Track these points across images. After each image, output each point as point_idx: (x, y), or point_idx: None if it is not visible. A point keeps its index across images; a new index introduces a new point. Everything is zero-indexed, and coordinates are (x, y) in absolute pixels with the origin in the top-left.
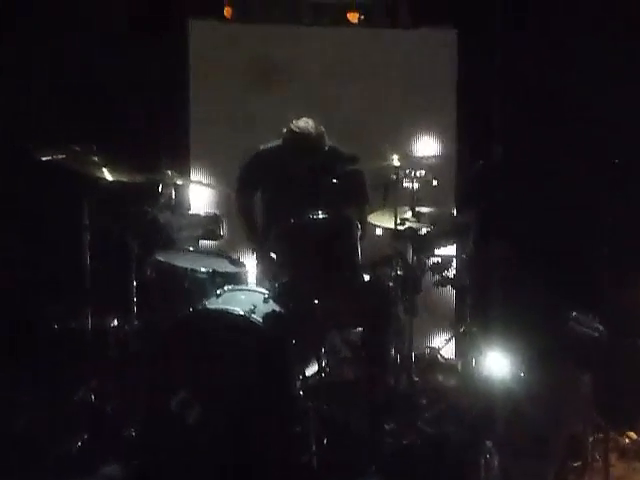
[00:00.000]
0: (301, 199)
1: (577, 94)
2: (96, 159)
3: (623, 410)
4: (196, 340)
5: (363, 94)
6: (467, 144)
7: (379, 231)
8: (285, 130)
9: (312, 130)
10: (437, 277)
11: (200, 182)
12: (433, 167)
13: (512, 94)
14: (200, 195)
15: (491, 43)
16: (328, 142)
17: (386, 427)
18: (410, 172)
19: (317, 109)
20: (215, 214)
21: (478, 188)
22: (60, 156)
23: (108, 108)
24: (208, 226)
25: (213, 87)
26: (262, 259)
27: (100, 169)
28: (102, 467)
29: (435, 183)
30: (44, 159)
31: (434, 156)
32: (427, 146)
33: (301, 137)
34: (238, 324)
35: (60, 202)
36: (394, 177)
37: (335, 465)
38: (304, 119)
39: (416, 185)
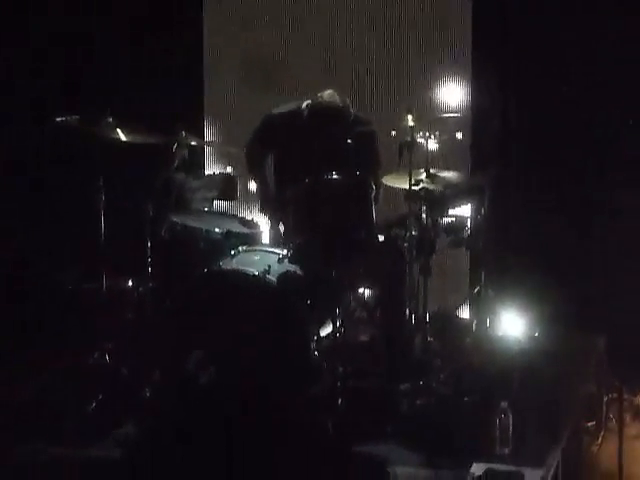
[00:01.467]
0: (315, 161)
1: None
2: (110, 120)
3: (637, 371)
4: (211, 301)
5: (379, 47)
6: (483, 104)
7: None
8: (311, 101)
9: (339, 102)
10: (451, 238)
11: (214, 143)
12: (448, 127)
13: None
14: (214, 156)
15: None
16: (345, 111)
17: (401, 388)
18: (425, 133)
19: (334, 61)
20: (229, 175)
21: (493, 149)
22: (74, 117)
23: (123, 72)
24: (222, 187)
25: (228, 52)
26: (275, 220)
27: (114, 130)
28: (116, 429)
29: (460, 136)
30: (58, 120)
31: (449, 116)
32: (442, 106)
33: (328, 109)
34: (253, 284)
35: (74, 163)
36: (408, 138)
37: (350, 426)
38: (329, 91)
39: (431, 145)
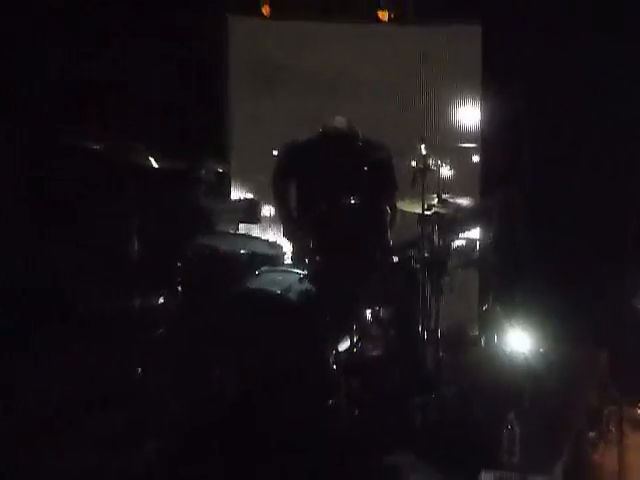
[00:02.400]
0: (333, 187)
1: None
2: (141, 148)
3: (637, 384)
4: (237, 318)
5: (392, 87)
6: (491, 134)
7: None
8: (321, 129)
9: (346, 130)
10: (461, 259)
11: (234, 169)
12: (460, 155)
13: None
14: (239, 182)
15: (516, 39)
16: (361, 136)
17: (414, 401)
18: (436, 161)
19: (349, 100)
20: (253, 199)
21: (501, 175)
22: (107, 145)
23: (155, 101)
24: (246, 211)
25: (252, 83)
26: (296, 242)
27: (146, 157)
28: (146, 442)
29: (471, 163)
30: (95, 147)
31: (459, 147)
32: (454, 135)
33: (336, 136)
34: (275, 302)
35: (109, 188)
36: (421, 165)
37: (365, 437)
38: (339, 119)
39: (443, 172)
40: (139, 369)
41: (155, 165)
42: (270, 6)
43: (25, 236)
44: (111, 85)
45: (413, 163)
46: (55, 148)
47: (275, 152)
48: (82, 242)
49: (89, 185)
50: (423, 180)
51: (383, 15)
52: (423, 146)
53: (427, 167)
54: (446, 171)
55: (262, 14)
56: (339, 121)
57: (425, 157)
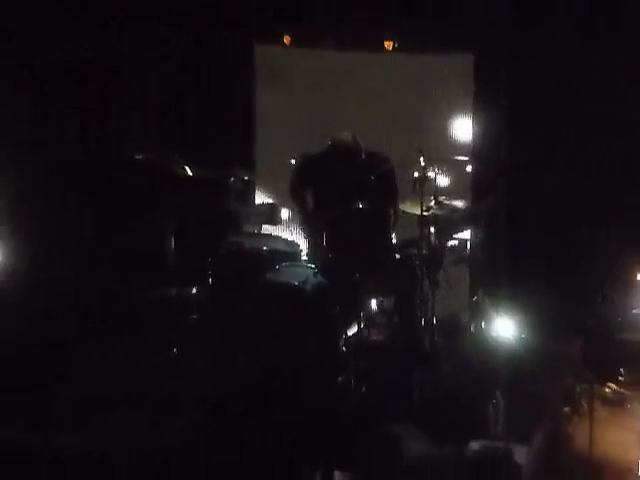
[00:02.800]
0: (344, 194)
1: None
2: (182, 161)
3: (605, 366)
4: (260, 307)
5: (397, 108)
6: (480, 150)
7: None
8: (330, 142)
9: (351, 144)
10: (455, 256)
11: (258, 178)
12: (455, 166)
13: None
14: (261, 189)
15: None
16: (365, 149)
17: (413, 379)
18: (434, 171)
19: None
20: (273, 204)
21: (490, 184)
22: (151, 154)
23: (195, 122)
24: (268, 214)
25: (274, 104)
26: (312, 241)
27: (183, 166)
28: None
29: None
30: (139, 156)
31: (453, 159)
32: (448, 151)
33: (342, 149)
34: (294, 293)
35: (151, 194)
36: (421, 175)
37: (370, 410)
38: (345, 133)
39: (439, 181)
40: (175, 349)
41: (190, 174)
42: (290, 36)
43: (88, 237)
44: (162, 109)
45: (416, 174)
46: (119, 161)
47: (292, 161)
48: (130, 242)
49: (138, 191)
50: (422, 187)
51: (389, 45)
52: (422, 158)
53: (426, 176)
54: (442, 180)
55: (284, 43)
56: (346, 135)
57: (424, 168)
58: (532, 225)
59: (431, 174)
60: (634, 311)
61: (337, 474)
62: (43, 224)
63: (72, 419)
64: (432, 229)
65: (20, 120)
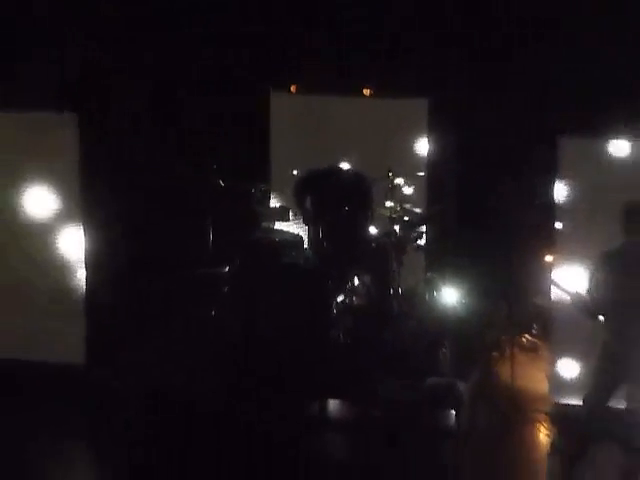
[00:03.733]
0: (335, 201)
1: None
2: (218, 177)
3: (523, 322)
4: (275, 279)
5: (374, 139)
6: (435, 169)
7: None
8: (327, 167)
9: (340, 168)
10: (415, 244)
11: (273, 188)
12: (414, 181)
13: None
14: (275, 196)
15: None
16: (351, 170)
17: (385, 334)
18: (400, 185)
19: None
20: (284, 206)
21: (440, 194)
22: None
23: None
24: (280, 214)
25: (283, 134)
26: (312, 234)
27: (217, 178)
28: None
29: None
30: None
31: (415, 175)
32: (411, 169)
33: (336, 170)
34: (299, 271)
35: (197, 200)
36: (391, 186)
37: (354, 357)
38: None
39: (405, 189)
40: (213, 312)
41: (222, 184)
42: (296, 86)
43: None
44: (210, 145)
45: (389, 185)
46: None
47: (295, 172)
48: (183, 234)
49: (190, 198)
50: (392, 195)
51: (366, 91)
52: (391, 174)
53: (394, 187)
54: (406, 190)
55: (291, 91)
56: (338, 163)
57: (393, 182)
58: (468, 224)
59: (399, 186)
60: (543, 283)
61: (331, 402)
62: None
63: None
64: (398, 226)
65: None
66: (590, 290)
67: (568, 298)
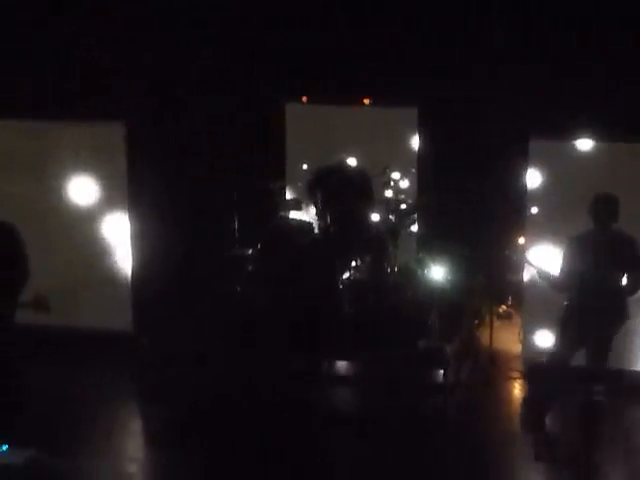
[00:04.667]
0: (341, 196)
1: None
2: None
3: (500, 295)
4: (290, 259)
5: (374, 141)
6: (423, 168)
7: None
8: (334, 165)
9: (345, 166)
10: (408, 230)
11: (288, 184)
12: (407, 177)
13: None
14: (290, 190)
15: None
16: (356, 168)
17: (384, 305)
18: (395, 180)
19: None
20: (297, 199)
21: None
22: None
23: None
24: (294, 205)
25: (296, 140)
26: (322, 222)
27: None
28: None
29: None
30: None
31: (409, 171)
32: (405, 166)
33: (343, 166)
34: (311, 251)
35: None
36: (387, 181)
37: (356, 324)
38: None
39: (400, 183)
40: (238, 288)
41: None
42: (307, 97)
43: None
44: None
45: (386, 180)
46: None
47: (305, 167)
48: (212, 222)
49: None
50: (389, 188)
51: (366, 100)
52: (387, 170)
53: (389, 181)
54: (401, 184)
55: (302, 101)
56: (343, 159)
57: (389, 177)
58: (452, 213)
59: (393, 181)
60: (516, 261)
61: (338, 362)
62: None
63: None
64: (394, 215)
65: None
66: (561, 268)
67: (539, 274)
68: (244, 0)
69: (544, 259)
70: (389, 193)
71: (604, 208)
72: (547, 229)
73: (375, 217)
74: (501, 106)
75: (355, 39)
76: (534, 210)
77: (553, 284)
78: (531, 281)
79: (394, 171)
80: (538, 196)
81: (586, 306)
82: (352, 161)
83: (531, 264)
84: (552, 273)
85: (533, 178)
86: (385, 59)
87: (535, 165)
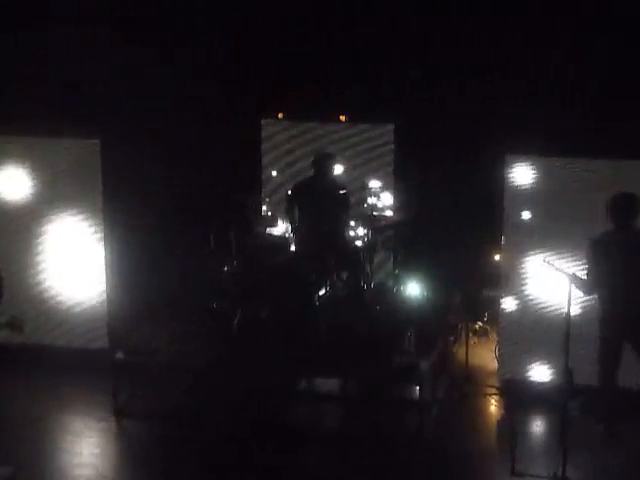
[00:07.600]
0: (318, 210)
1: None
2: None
3: (476, 311)
4: (269, 272)
5: (350, 158)
6: (400, 185)
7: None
8: (310, 180)
9: (325, 156)
10: (385, 246)
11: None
12: (384, 193)
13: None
14: (267, 207)
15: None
16: (335, 177)
17: (359, 321)
18: (372, 195)
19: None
20: (274, 214)
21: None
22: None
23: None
24: (270, 220)
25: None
26: (298, 236)
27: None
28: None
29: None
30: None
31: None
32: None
33: (321, 157)
34: (288, 267)
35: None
36: (365, 197)
37: (333, 339)
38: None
39: (376, 200)
40: (214, 304)
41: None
42: (283, 113)
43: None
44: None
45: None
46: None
47: (289, 192)
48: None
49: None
50: (365, 204)
51: (342, 118)
52: (365, 186)
53: (367, 197)
54: (377, 200)
55: (278, 118)
56: (320, 178)
57: (367, 193)
58: (429, 229)
59: (370, 198)
60: (492, 277)
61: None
62: None
63: None
64: (370, 230)
65: None
66: (588, 270)
67: (570, 279)
68: (222, 17)
69: (566, 264)
70: (366, 209)
71: (623, 207)
72: (524, 245)
73: (352, 233)
74: (476, 122)
75: (330, 56)
76: (511, 226)
77: (583, 287)
78: (506, 297)
79: (371, 187)
80: (515, 212)
81: (619, 305)
82: (329, 178)
83: (559, 269)
84: (580, 277)
85: (510, 194)
86: (363, 77)
87: (512, 181)
